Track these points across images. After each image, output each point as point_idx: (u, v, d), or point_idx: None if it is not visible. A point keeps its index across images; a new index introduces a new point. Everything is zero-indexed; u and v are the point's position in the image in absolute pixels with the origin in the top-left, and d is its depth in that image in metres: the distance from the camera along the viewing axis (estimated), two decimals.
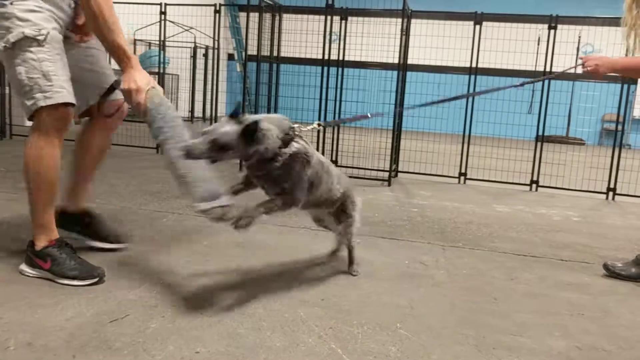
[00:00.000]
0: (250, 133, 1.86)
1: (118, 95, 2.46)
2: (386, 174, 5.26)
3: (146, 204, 3.60)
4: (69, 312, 1.88)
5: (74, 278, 2.13)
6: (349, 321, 1.97)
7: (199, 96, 12.10)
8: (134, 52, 11.04)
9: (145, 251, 2.63)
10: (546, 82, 5.27)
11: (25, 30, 2.06)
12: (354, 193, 2.46)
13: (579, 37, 10.63)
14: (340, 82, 5.60)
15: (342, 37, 5.57)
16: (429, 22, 7.77)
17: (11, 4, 2.06)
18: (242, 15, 13.89)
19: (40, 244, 2.20)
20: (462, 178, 5.59)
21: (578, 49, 11.08)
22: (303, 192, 2.09)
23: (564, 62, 5.78)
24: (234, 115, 1.91)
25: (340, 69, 5.60)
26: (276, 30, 5.88)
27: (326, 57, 5.45)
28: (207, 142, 1.83)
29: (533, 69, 5.80)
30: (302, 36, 6.69)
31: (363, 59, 8.10)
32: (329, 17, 5.39)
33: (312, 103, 5.88)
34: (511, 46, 7.54)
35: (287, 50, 6.38)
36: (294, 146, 2.00)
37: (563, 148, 7.76)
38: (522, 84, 2.92)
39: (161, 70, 6.84)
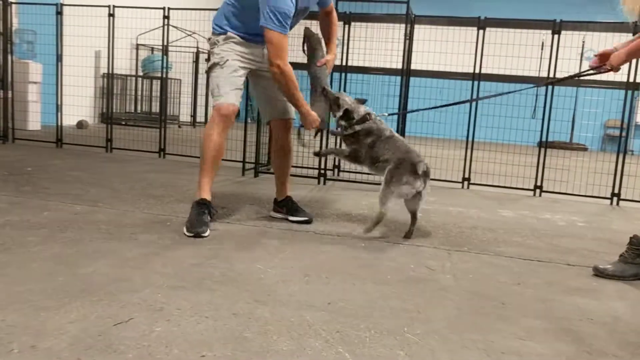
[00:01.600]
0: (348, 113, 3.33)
1: (286, 115, 3.54)
2: None
3: (149, 208, 3.58)
4: (72, 315, 1.86)
5: (186, 228, 3.00)
6: (356, 325, 1.95)
7: (201, 100, 12.09)
8: (137, 57, 11.08)
9: (149, 254, 2.61)
10: (549, 87, 5.26)
11: (214, 59, 3.29)
12: (404, 169, 3.13)
13: (583, 42, 10.64)
14: (344, 87, 5.59)
15: (345, 42, 5.56)
16: (432, 27, 7.78)
17: (217, 45, 3.30)
18: None
19: (195, 197, 3.17)
20: (466, 183, 5.57)
21: (582, 54, 11.09)
22: (361, 153, 3.33)
23: (567, 67, 5.77)
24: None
25: (343, 74, 5.59)
26: None
27: None
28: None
29: (537, 75, 5.79)
30: (301, 40, 6.68)
31: (366, 64, 8.10)
32: None
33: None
34: (515, 51, 7.54)
35: (290, 55, 6.37)
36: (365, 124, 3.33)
37: (566, 154, 7.74)
38: (547, 84, 2.97)
39: (164, 75, 6.83)
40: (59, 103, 6.60)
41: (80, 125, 8.86)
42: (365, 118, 3.32)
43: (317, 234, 3.25)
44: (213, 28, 3.39)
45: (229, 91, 3.19)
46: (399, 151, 3.22)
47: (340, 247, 2.98)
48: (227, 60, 3.22)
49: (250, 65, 3.36)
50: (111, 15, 6.34)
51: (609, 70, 2.84)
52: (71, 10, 6.61)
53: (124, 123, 9.92)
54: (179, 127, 10.97)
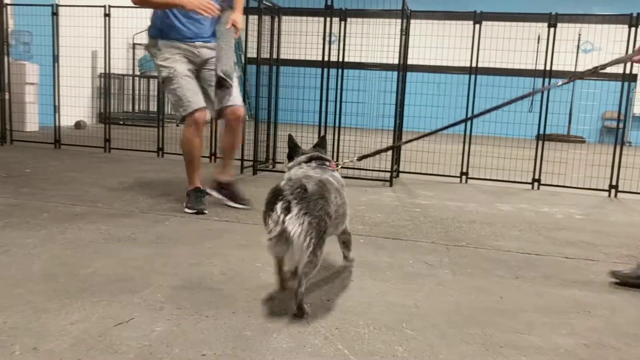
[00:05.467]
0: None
1: (230, 102, 3.68)
2: (388, 174, 5.26)
3: (148, 208, 3.59)
4: (74, 316, 1.88)
5: (188, 208, 3.49)
6: (355, 322, 1.97)
7: None
8: (133, 56, 11.05)
9: (149, 254, 2.62)
10: (546, 81, 5.27)
11: (164, 73, 3.55)
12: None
13: (579, 34, 10.64)
14: (340, 83, 5.60)
15: (341, 38, 5.57)
16: (429, 22, 7.77)
17: (156, 57, 3.61)
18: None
19: (188, 188, 3.62)
20: (464, 177, 5.58)
21: (578, 46, 11.08)
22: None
23: (564, 60, 5.79)
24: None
25: (340, 70, 5.59)
26: (275, 32, 5.88)
27: (326, 58, 5.45)
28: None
29: (533, 68, 5.79)
30: (301, 38, 6.69)
31: (363, 60, 8.10)
32: (328, 19, 5.39)
33: (312, 104, 5.88)
34: (511, 45, 7.54)
35: (287, 52, 6.38)
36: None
37: (564, 146, 7.75)
38: (568, 81, 2.98)
39: None
40: (57, 104, 6.60)
41: (78, 125, 8.86)
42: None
43: None
44: (147, 31, 3.73)
45: (193, 98, 3.52)
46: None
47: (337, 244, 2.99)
48: (175, 69, 3.52)
49: (191, 63, 3.62)
50: (107, 15, 6.34)
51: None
52: (67, 10, 6.60)
53: (121, 123, 9.90)
54: (177, 125, 10.97)
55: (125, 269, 2.40)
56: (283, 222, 1.84)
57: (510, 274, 2.64)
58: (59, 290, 2.11)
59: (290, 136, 2.51)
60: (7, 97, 6.71)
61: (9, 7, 6.76)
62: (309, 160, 2.40)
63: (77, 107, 7.75)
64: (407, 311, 2.10)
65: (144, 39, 10.82)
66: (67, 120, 7.52)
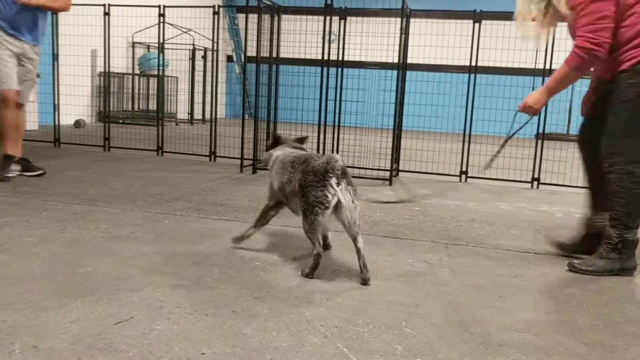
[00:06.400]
0: None
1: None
2: (387, 173, 5.26)
3: (148, 207, 3.59)
4: (73, 315, 1.88)
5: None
6: (354, 320, 1.97)
7: (198, 98, 12.09)
8: (133, 55, 11.05)
9: (148, 253, 2.62)
10: (546, 78, 5.26)
11: None
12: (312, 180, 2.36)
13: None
14: (340, 82, 5.60)
15: (341, 37, 5.56)
16: (428, 21, 7.78)
17: None
18: (241, 16, 13.90)
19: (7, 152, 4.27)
20: (464, 176, 5.58)
21: None
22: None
23: (564, 58, 5.77)
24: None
25: (339, 69, 5.59)
26: (275, 31, 5.87)
27: (325, 57, 5.45)
28: None
29: (532, 67, 5.79)
30: (301, 37, 6.69)
31: (362, 59, 8.11)
32: (328, 17, 5.39)
33: (312, 103, 5.88)
34: (510, 44, 7.53)
35: (287, 51, 6.38)
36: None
37: (563, 145, 7.75)
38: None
39: (160, 73, 6.83)
40: (56, 102, 6.59)
41: (78, 124, 8.86)
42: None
43: None
44: None
45: (11, 79, 4.17)
46: (299, 164, 2.48)
47: (337, 243, 2.99)
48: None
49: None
50: (106, 13, 6.33)
51: (533, 114, 2.90)
52: None
53: (121, 122, 9.91)
54: (177, 124, 10.98)
55: (124, 268, 2.40)
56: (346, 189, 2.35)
57: (509, 273, 2.64)
58: (58, 288, 2.11)
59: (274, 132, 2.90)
60: None
61: None
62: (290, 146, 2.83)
63: (76, 105, 7.75)
64: (406, 310, 2.10)
65: (143, 37, 10.83)
66: (66, 119, 7.51)
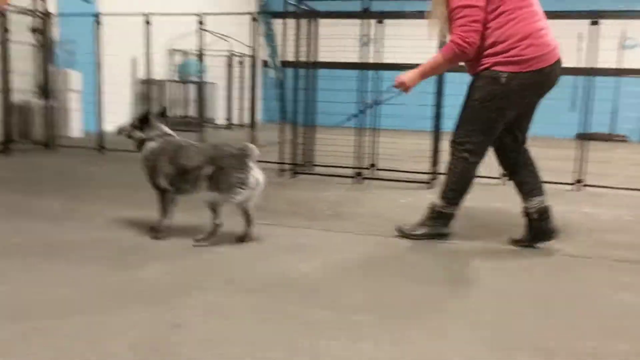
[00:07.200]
0: None
1: None
2: (425, 176, 5.22)
3: (200, 212, 3.64)
4: (131, 319, 1.93)
5: None
6: (405, 323, 1.96)
7: (236, 103, 12.23)
8: (172, 62, 11.23)
9: (203, 257, 2.67)
10: (590, 78, 5.16)
11: None
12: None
13: (623, 31, 10.37)
14: (378, 85, 5.60)
15: (378, 41, 5.56)
16: None
17: None
18: (277, 22, 14.03)
19: None
20: (505, 178, 5.50)
21: (623, 44, 10.81)
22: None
23: (607, 58, 5.65)
24: None
25: (377, 72, 5.59)
26: (312, 35, 5.90)
27: (363, 60, 5.45)
28: None
29: (575, 66, 5.67)
30: (338, 41, 6.71)
31: (400, 62, 8.07)
32: (365, 21, 5.39)
33: (351, 107, 5.90)
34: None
35: (324, 55, 6.40)
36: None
37: (606, 145, 7.57)
38: None
39: (199, 80, 6.94)
40: (100, 110, 6.76)
41: (120, 131, 9.05)
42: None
43: (356, 234, 3.28)
44: None
45: None
46: (208, 151, 2.89)
47: (382, 247, 3.00)
48: None
49: None
50: (147, 22, 6.48)
51: (403, 90, 3.13)
52: (109, 19, 6.75)
53: None
54: (215, 129, 11.11)
55: (179, 272, 2.46)
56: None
57: (556, 276, 2.60)
58: (116, 294, 2.18)
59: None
60: (53, 104, 6.91)
61: (54, 17, 6.97)
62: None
63: (118, 113, 7.93)
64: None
65: (182, 45, 10.97)
66: (109, 126, 7.70)
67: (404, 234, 3.18)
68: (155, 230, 2.96)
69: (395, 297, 2.27)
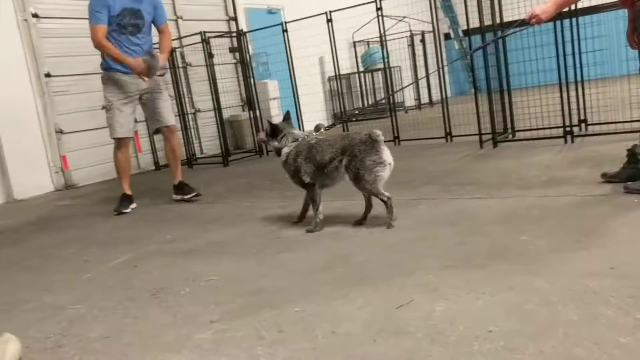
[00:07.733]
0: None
1: (167, 123, 4.53)
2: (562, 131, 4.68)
3: (399, 193, 3.68)
4: (358, 301, 2.02)
5: (114, 210, 4.38)
6: None
7: (423, 82, 12.11)
8: (355, 54, 11.51)
9: (411, 238, 2.71)
10: None
11: (104, 103, 4.40)
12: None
13: None
14: (577, 34, 5.12)
15: None
16: None
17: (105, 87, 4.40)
18: None
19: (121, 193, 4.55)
20: None
21: None
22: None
23: None
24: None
25: (574, 20, 5.11)
26: None
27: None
28: None
29: None
30: None
31: (595, 3, 7.28)
32: None
33: (547, 62, 5.48)
34: None
35: (509, 14, 6.02)
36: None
37: None
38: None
39: (385, 66, 7.01)
40: (298, 112, 7.19)
41: (317, 129, 9.54)
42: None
43: (577, 196, 3.04)
44: (100, 64, 4.38)
45: (122, 127, 4.34)
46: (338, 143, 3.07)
47: (609, 208, 2.74)
48: (112, 103, 4.31)
49: (133, 95, 4.36)
50: (329, 20, 6.72)
51: (537, 22, 3.03)
52: (293, 25, 7.12)
53: (354, 119, 10.41)
54: (406, 112, 11.16)
55: (393, 254, 2.52)
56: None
57: None
58: (339, 279, 2.30)
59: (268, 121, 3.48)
60: (257, 114, 7.53)
61: (247, 34, 7.58)
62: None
63: (314, 112, 8.37)
64: None
65: (362, 35, 11.17)
66: (307, 125, 8.16)
67: (629, 190, 2.91)
68: (314, 223, 3.11)
69: (633, 260, 2.06)
